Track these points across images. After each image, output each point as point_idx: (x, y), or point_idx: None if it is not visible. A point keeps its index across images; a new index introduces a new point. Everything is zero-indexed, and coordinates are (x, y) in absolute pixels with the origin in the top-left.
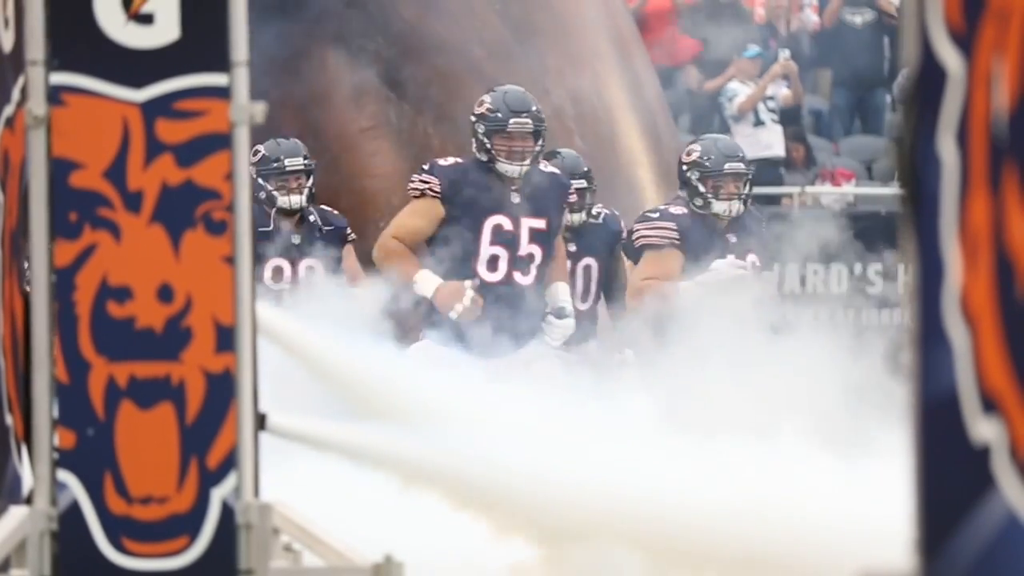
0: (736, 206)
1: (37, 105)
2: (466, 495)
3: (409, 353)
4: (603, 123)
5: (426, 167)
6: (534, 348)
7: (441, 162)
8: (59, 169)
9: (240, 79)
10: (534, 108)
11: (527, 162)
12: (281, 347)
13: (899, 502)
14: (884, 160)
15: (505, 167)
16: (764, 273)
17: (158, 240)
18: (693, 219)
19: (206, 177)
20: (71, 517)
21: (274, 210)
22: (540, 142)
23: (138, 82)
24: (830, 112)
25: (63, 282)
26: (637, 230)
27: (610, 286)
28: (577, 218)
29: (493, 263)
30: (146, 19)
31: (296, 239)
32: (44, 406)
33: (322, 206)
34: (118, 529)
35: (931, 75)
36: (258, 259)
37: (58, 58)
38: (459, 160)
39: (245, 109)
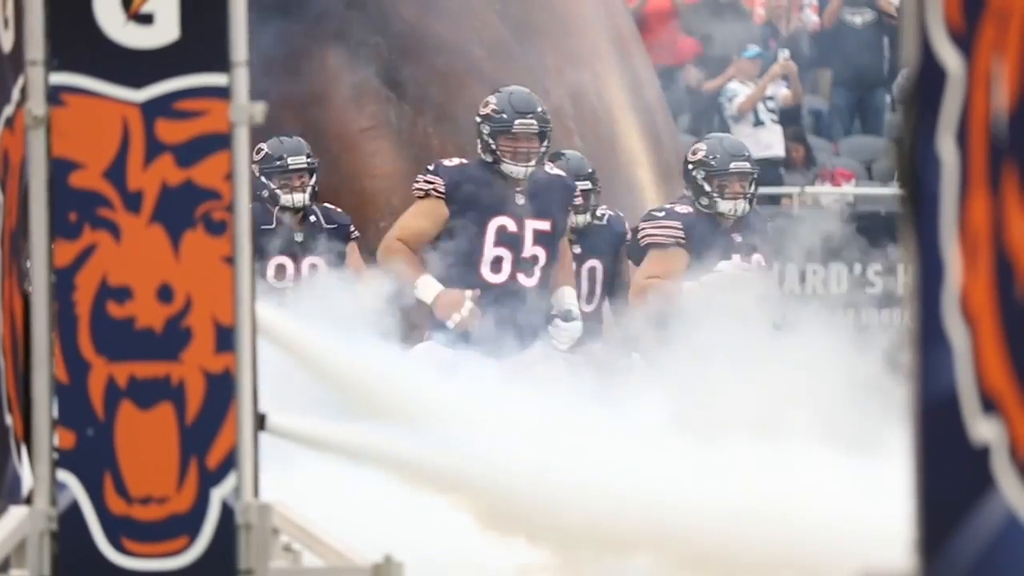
0: (742, 205)
1: (37, 105)
2: (467, 496)
3: (412, 354)
4: (603, 123)
5: (431, 167)
6: (538, 350)
7: (446, 162)
8: (59, 169)
9: (240, 79)
10: (539, 109)
11: (532, 163)
12: (281, 347)
13: (899, 502)
14: (884, 160)
15: (510, 168)
16: (765, 271)
17: (158, 240)
18: (699, 218)
19: (206, 177)
20: (71, 517)
21: (277, 208)
22: (545, 143)
23: (138, 82)
24: (830, 112)
25: (63, 282)
26: (643, 229)
27: (614, 287)
28: (582, 220)
29: (497, 264)
30: (146, 19)
31: (299, 237)
32: (44, 406)
33: (325, 204)
34: (118, 529)
35: (931, 75)
36: (261, 256)
37: (58, 58)
38: (464, 161)
39: (245, 109)
